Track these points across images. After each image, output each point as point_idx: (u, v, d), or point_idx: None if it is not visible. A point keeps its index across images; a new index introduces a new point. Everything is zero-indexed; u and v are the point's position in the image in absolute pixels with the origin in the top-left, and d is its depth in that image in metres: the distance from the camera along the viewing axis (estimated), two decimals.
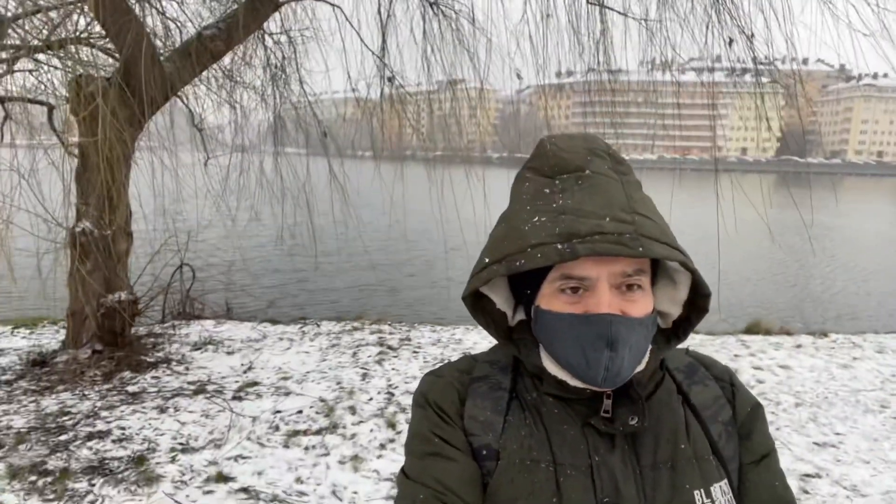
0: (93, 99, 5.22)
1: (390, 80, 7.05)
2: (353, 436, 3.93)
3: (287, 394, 4.56)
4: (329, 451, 3.71)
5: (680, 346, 0.85)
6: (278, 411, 4.25)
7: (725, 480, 0.78)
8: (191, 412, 4.19)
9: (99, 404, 4.24)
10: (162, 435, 3.83)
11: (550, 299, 0.77)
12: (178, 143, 6.55)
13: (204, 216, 6.76)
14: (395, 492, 0.83)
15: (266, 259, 11.10)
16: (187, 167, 6.85)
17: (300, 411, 4.26)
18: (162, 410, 4.18)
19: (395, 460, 3.63)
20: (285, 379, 4.86)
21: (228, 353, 5.47)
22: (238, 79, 7.35)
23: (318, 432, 3.96)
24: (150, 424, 3.96)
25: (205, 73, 6.23)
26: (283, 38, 7.16)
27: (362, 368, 5.20)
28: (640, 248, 0.69)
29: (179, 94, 6.23)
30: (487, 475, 0.78)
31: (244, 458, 3.59)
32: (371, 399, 4.52)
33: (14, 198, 4.98)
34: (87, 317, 5.31)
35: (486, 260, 0.77)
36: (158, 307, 6.36)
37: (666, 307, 0.84)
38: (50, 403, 4.22)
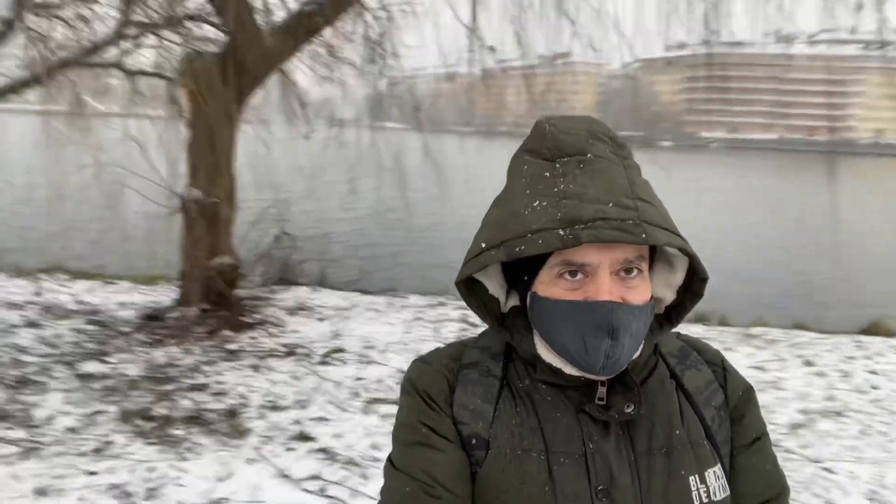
0: (202, 74, 5.56)
1: (490, 50, 6.95)
2: None
3: (369, 362, 4.71)
4: None
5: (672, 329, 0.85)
6: (360, 378, 4.40)
7: (719, 465, 0.78)
8: (281, 373, 4.44)
9: (201, 359, 4.59)
10: (254, 392, 4.09)
11: (549, 286, 0.75)
12: (279, 116, 6.86)
13: (304, 188, 7.09)
14: None
15: (361, 231, 11.48)
16: (289, 140, 7.17)
17: (380, 380, 4.38)
18: (255, 369, 4.46)
19: None
20: (369, 348, 5.01)
21: (319, 320, 5.72)
22: (338, 54, 7.55)
23: (396, 402, 4.05)
24: (244, 381, 4.24)
25: (307, 48, 6.43)
26: (382, 13, 7.24)
27: (443, 343, 5.25)
28: (644, 235, 0.68)
29: (282, 68, 6.48)
30: (476, 465, 0.77)
31: (325, 420, 3.75)
32: None
33: (132, 165, 5.46)
34: (196, 278, 5.75)
35: (483, 245, 0.75)
36: (261, 272, 6.75)
37: (661, 292, 0.83)
38: (159, 355, 4.62)
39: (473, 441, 0.77)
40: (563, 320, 0.73)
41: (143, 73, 6.75)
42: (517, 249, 0.70)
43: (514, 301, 0.85)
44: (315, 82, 7.31)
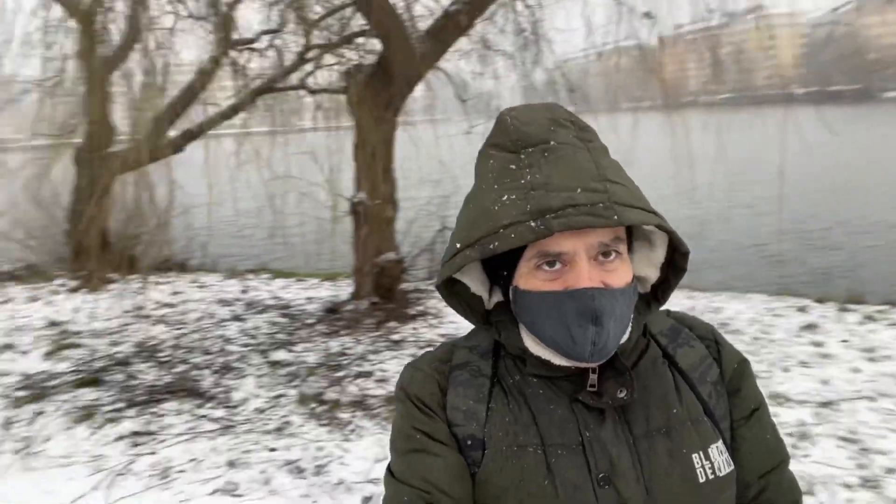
0: (359, 86, 6.02)
1: (646, 17, 6.51)
2: None
3: None
4: None
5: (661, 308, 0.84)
6: None
7: (721, 440, 0.78)
8: None
9: (369, 348, 5.00)
10: None
11: (528, 278, 0.75)
12: (439, 112, 7.13)
13: (462, 182, 7.30)
14: None
15: None
16: (449, 136, 7.43)
17: None
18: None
19: None
20: None
21: None
22: (491, 46, 7.63)
23: None
24: None
25: (460, 45, 6.61)
26: (532, 1, 7.16)
27: None
28: (615, 217, 0.67)
29: (439, 67, 6.74)
30: (474, 465, 0.77)
31: None
32: None
33: (313, 175, 6.11)
34: (366, 274, 6.27)
35: (458, 245, 0.74)
36: (425, 266, 7.12)
37: (644, 271, 0.83)
38: (334, 345, 5.13)
39: (469, 442, 0.78)
40: (545, 312, 0.73)
41: (320, 90, 7.51)
42: (490, 247, 0.70)
43: (497, 297, 0.84)
44: (471, 77, 7.47)
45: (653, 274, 0.83)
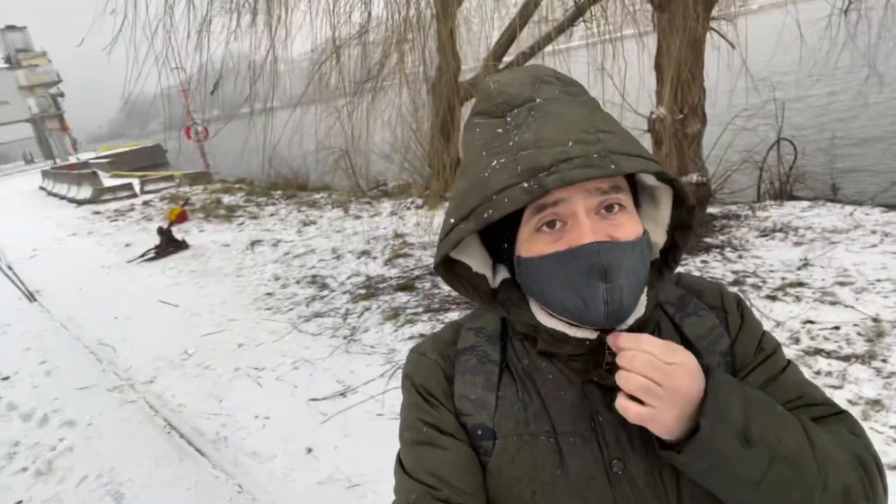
0: None
1: None
2: (891, 375, 2.99)
3: (834, 303, 3.78)
4: (841, 385, 2.99)
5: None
6: (810, 322, 3.63)
7: None
8: None
9: None
10: None
11: (530, 244, 0.70)
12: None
13: (805, 81, 5.86)
14: None
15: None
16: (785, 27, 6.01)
17: (837, 328, 3.50)
18: None
19: None
20: (842, 284, 4.00)
21: (795, 244, 4.86)
22: None
23: (847, 358, 3.21)
24: None
25: None
26: None
27: None
28: (612, 166, 0.63)
29: None
30: (485, 455, 0.75)
31: None
32: None
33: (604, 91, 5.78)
34: None
35: (452, 220, 0.70)
36: (740, 188, 6.15)
37: (653, 235, 0.77)
38: None
39: (479, 432, 0.75)
40: (551, 276, 0.69)
41: None
42: (485, 215, 0.66)
43: (503, 274, 0.80)
44: None
45: (660, 236, 0.77)
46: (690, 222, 0.74)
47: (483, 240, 0.79)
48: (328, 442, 3.33)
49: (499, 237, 0.75)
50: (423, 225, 7.48)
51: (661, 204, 0.76)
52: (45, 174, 24.84)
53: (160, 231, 8.96)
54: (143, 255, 8.78)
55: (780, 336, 3.51)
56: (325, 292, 5.85)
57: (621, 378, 0.64)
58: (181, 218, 9.42)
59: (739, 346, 0.78)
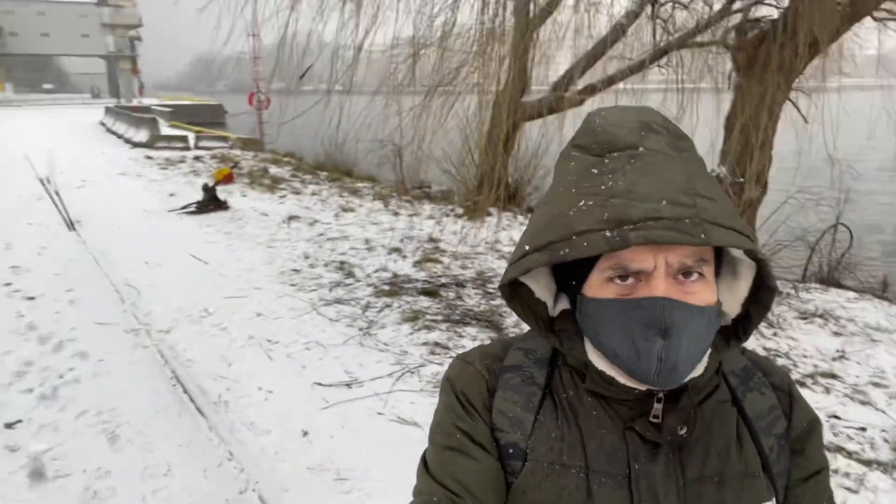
0: (752, 43, 5.22)
1: None
2: None
3: (864, 403, 3.63)
4: (857, 490, 2.86)
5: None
6: (836, 417, 3.49)
7: (773, 500, 0.72)
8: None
9: None
10: None
11: (598, 289, 0.69)
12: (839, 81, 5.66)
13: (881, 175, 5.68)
14: None
15: None
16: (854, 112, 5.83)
17: (863, 429, 3.36)
18: None
19: None
20: (876, 385, 3.84)
21: (834, 334, 4.69)
22: None
23: (868, 463, 3.07)
24: None
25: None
26: None
27: None
28: (703, 235, 0.61)
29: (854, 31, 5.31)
30: (512, 475, 0.74)
31: None
32: None
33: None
34: None
35: (527, 247, 0.69)
36: (800, 265, 5.97)
37: (726, 303, 0.73)
38: None
39: (511, 451, 0.75)
40: (611, 322, 0.67)
41: (699, 44, 6.75)
42: (561, 252, 0.65)
43: (563, 304, 0.79)
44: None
45: (735, 308, 0.74)
46: (769, 302, 0.71)
47: (552, 268, 0.78)
48: (325, 429, 3.31)
49: (569, 270, 0.74)
50: (460, 235, 7.47)
51: (742, 278, 0.73)
52: (107, 111, 25.63)
53: (205, 188, 9.13)
54: (184, 208, 8.95)
55: None
56: (350, 280, 5.87)
57: None
58: (228, 179, 9.58)
59: (800, 442, 0.77)
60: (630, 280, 0.66)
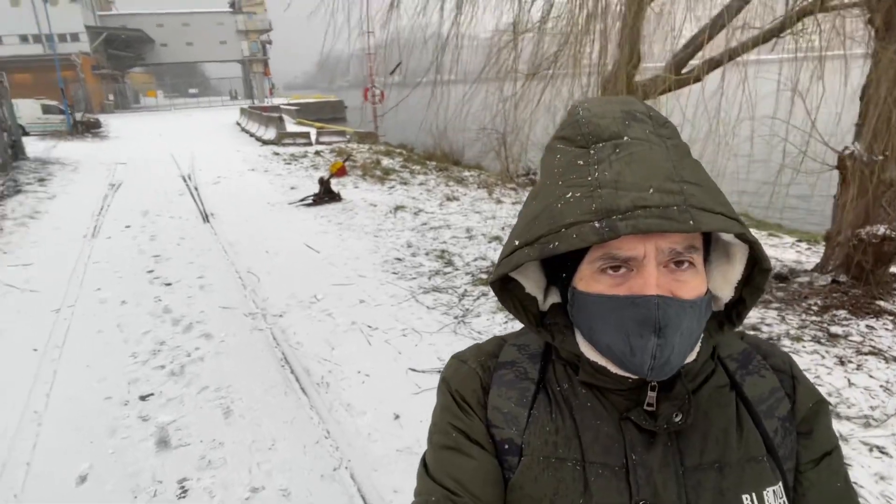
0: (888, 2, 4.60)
1: None
2: None
3: None
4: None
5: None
6: None
7: (780, 483, 0.71)
8: (873, 378, 3.59)
9: (787, 331, 4.23)
10: (821, 385, 3.54)
11: (589, 281, 0.69)
12: None
13: None
14: None
15: None
16: None
17: None
18: (842, 364, 3.77)
19: None
20: None
21: None
22: None
23: None
24: (820, 372, 3.70)
25: None
26: None
27: None
28: (691, 222, 0.60)
29: None
30: (509, 470, 0.75)
31: None
32: None
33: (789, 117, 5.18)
34: (840, 244, 5.10)
35: (517, 242, 0.70)
36: None
37: (718, 288, 0.74)
38: (755, 316, 4.54)
39: (506, 446, 0.75)
40: (605, 318, 0.68)
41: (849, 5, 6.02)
42: (551, 246, 0.64)
43: (554, 298, 0.79)
44: None
45: (728, 292, 0.74)
46: (763, 284, 0.70)
47: (542, 261, 0.78)
48: (416, 414, 3.44)
49: (559, 263, 0.73)
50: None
51: (735, 261, 0.72)
52: (242, 111, 27.88)
53: (321, 181, 9.70)
54: (302, 200, 9.58)
55: None
56: (449, 269, 5.98)
57: None
58: (341, 172, 10.09)
59: (807, 424, 0.75)
60: (622, 270, 0.66)
